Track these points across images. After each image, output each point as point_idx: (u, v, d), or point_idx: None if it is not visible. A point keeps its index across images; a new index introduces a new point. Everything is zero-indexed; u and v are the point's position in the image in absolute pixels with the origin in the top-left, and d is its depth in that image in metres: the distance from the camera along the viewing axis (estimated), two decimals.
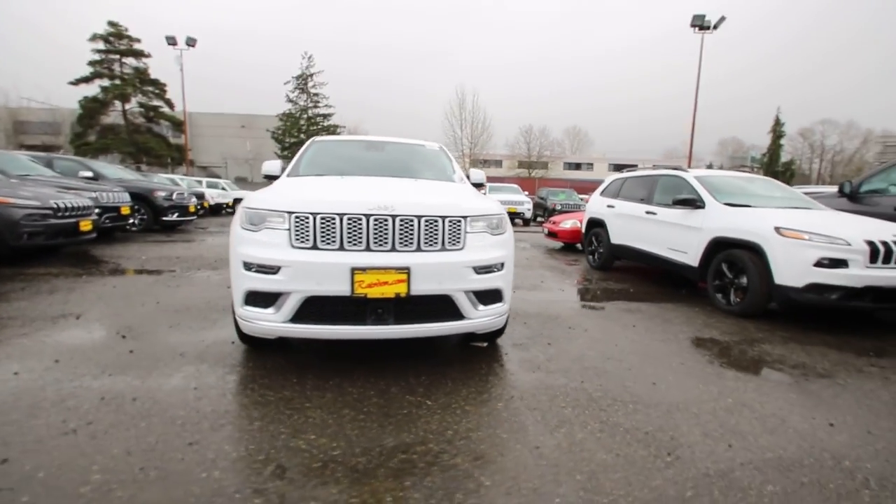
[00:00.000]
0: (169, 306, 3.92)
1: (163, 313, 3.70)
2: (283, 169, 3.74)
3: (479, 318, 2.57)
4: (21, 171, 7.15)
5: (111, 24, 32.12)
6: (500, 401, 2.39)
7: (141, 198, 9.35)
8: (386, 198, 2.46)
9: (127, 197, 8.36)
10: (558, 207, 18.03)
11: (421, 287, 2.37)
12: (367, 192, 2.68)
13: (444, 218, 2.48)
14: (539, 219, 19.01)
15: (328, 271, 2.30)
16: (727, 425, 2.20)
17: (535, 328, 3.69)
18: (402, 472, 1.74)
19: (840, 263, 3.67)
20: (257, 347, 2.94)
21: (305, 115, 41.05)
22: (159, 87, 33.79)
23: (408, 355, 2.95)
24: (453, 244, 2.51)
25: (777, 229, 4.01)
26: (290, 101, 40.93)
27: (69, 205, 5.89)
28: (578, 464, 1.84)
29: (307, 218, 2.36)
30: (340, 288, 2.30)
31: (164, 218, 9.80)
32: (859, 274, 3.63)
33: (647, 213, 5.85)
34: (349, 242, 2.36)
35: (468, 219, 2.57)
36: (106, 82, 32.21)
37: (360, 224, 2.37)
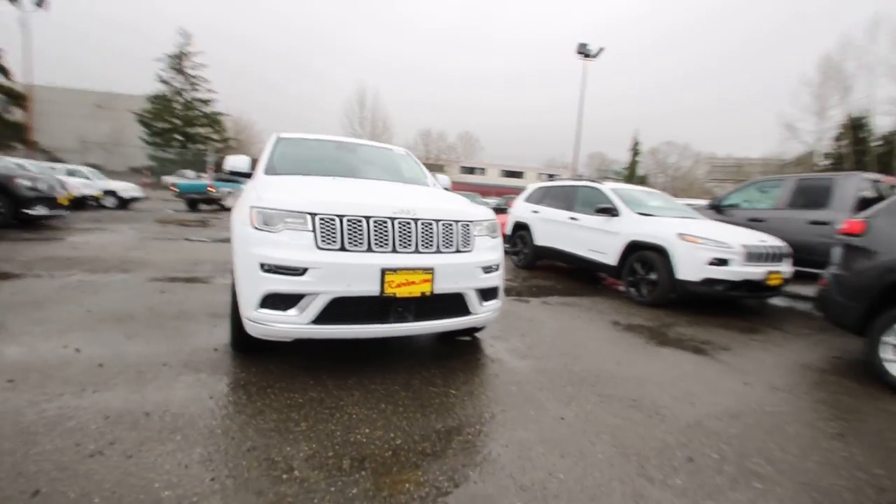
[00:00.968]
0: (105, 314, 3.43)
1: (103, 323, 3.24)
2: (253, 166, 3.57)
3: (483, 314, 2.84)
4: None
5: None
6: (511, 384, 2.70)
7: None
8: (405, 202, 2.60)
9: None
10: None
11: (441, 286, 2.56)
12: (384, 195, 2.77)
13: (457, 222, 2.71)
14: None
15: (358, 272, 2.36)
16: (683, 390, 2.81)
17: (503, 322, 4.06)
18: (468, 450, 1.94)
19: (725, 262, 4.74)
20: (248, 353, 2.81)
21: (181, 99, 36.64)
22: None
23: (406, 352, 3.09)
24: (465, 246, 2.74)
25: (680, 235, 4.99)
26: (163, 81, 36.17)
27: None
28: (599, 427, 2.23)
29: (333, 220, 2.39)
30: (370, 288, 2.38)
31: (27, 211, 8.08)
32: (738, 270, 4.73)
33: (571, 218, 6.67)
34: (377, 244, 2.44)
35: (474, 223, 2.83)
36: None
37: (385, 227, 2.47)
